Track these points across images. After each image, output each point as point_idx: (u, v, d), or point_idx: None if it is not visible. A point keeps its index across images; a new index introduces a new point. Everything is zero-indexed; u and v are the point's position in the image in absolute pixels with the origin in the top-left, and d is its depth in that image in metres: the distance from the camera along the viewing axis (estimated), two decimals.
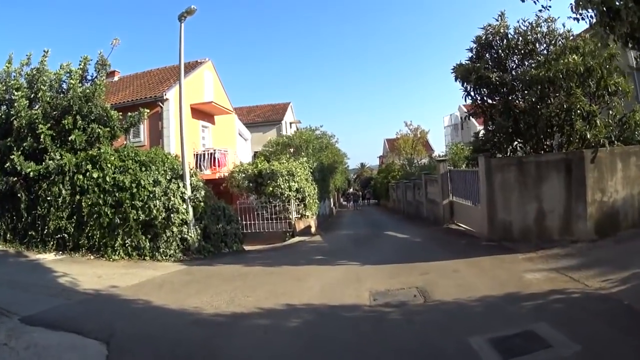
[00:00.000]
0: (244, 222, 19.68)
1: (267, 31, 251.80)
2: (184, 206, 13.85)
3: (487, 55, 14.14)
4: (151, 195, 13.13)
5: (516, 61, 13.97)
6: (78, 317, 7.32)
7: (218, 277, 10.86)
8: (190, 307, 7.93)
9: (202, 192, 14.70)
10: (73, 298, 8.65)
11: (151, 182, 13.34)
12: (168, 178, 13.94)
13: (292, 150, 29.31)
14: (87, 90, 14.39)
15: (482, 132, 15.19)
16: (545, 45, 13.59)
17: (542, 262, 9.76)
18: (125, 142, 16.76)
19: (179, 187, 13.95)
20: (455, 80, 14.36)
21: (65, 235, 13.10)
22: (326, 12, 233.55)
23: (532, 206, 12.28)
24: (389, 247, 14.58)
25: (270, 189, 20.25)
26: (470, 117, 14.52)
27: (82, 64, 15.18)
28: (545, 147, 13.40)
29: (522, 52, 13.65)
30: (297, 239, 19.60)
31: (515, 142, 13.83)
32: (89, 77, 15.30)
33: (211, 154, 23.83)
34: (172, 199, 13.57)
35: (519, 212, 12.46)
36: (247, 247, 16.91)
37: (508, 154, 13.94)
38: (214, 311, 7.68)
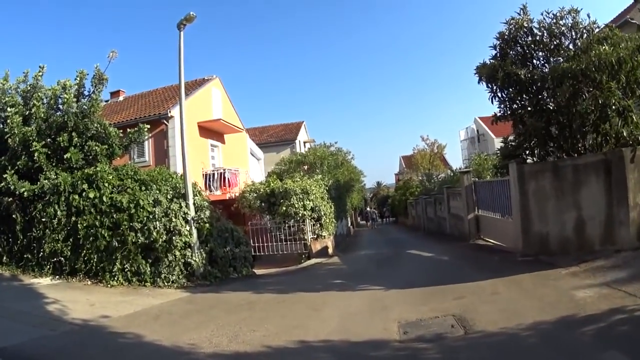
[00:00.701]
0: (256, 244, 18.82)
1: (278, 50, 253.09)
2: (187, 228, 12.81)
3: (511, 52, 12.95)
4: (151, 217, 12.20)
5: (541, 58, 12.80)
6: (56, 352, 6.49)
7: (223, 307, 9.69)
8: (186, 344, 6.78)
9: (207, 212, 13.61)
10: (58, 329, 7.74)
11: (151, 202, 12.43)
12: (169, 198, 12.98)
13: (306, 167, 28.04)
14: (84, 106, 13.73)
15: (510, 137, 13.98)
16: (571, 38, 12.42)
17: (589, 277, 8.61)
18: (129, 162, 16.09)
19: (181, 207, 12.92)
20: (479, 82, 13.25)
21: (62, 258, 12.22)
22: (338, 28, 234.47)
23: (570, 214, 11.11)
24: (414, 268, 13.29)
25: (284, 208, 19.12)
26: (497, 121, 13.26)
27: (79, 79, 14.34)
28: (579, 148, 12.16)
29: (548, 47, 12.49)
30: (313, 260, 18.40)
31: (547, 146, 12.61)
32: (85, 93, 14.48)
33: (221, 173, 22.78)
34: (174, 220, 12.57)
35: (556, 222, 11.26)
36: (259, 271, 15.93)
37: (540, 159, 12.71)
38: (213, 350, 6.48)
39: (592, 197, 10.93)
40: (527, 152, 12.79)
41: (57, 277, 12.16)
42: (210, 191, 21.74)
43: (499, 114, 13.16)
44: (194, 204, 13.32)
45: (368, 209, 79.87)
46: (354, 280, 11.68)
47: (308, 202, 19.22)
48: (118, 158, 14.93)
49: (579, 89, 11.16)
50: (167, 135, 20.76)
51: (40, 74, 14.39)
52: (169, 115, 20.55)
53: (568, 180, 11.21)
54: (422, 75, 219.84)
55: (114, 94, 26.96)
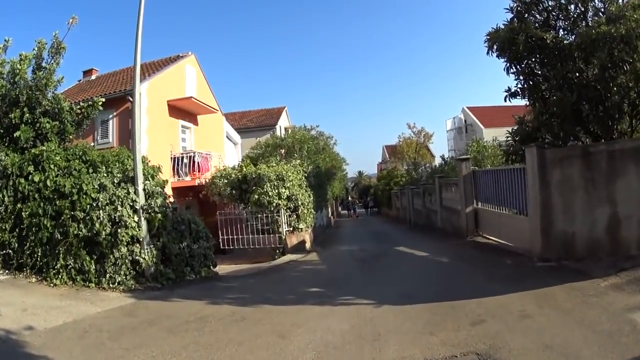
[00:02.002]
0: (226, 237, 17.44)
1: (262, 35, 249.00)
2: (135, 218, 10.60)
3: (530, 18, 10.82)
4: (94, 204, 10.17)
5: (567, 25, 10.68)
6: None
7: (166, 324, 7.42)
8: None
9: (159, 200, 11.22)
10: None
11: (96, 187, 10.39)
12: (116, 182, 10.80)
13: (283, 151, 25.56)
14: (39, 78, 11.90)
15: (527, 117, 11.86)
16: (594, 8, 10.42)
17: (639, 290, 6.83)
18: (92, 143, 14.98)
19: (128, 193, 10.69)
20: (488, 52, 11.36)
21: (10, 251, 10.41)
22: (325, 16, 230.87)
23: (602, 211, 9.33)
24: (408, 272, 11.00)
25: (256, 196, 17.03)
26: (511, 98, 11.14)
27: (37, 49, 12.24)
28: (614, 132, 10.12)
29: (572, 14, 10.53)
30: (288, 257, 16.30)
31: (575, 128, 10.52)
32: (44, 64, 12.38)
33: (191, 157, 20.37)
34: (120, 209, 10.37)
35: (584, 221, 9.45)
36: (226, 268, 14.17)
37: (564, 143, 10.65)
38: None
39: (630, 191, 9.15)
40: (549, 134, 10.67)
41: (7, 272, 10.40)
42: (179, 176, 19.72)
43: (514, 88, 11.04)
44: (144, 189, 11.07)
45: (349, 198, 78.64)
46: (334, 289, 9.44)
47: (284, 190, 17.13)
48: (71, 137, 12.95)
49: (619, 57, 9.07)
50: (132, 113, 18.24)
51: (3, 47, 12.37)
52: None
53: (602, 169, 9.34)
54: (407, 64, 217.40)
55: (87, 72, 24.56)
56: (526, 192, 10.61)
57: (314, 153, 27.27)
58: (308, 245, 18.03)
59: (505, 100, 11.34)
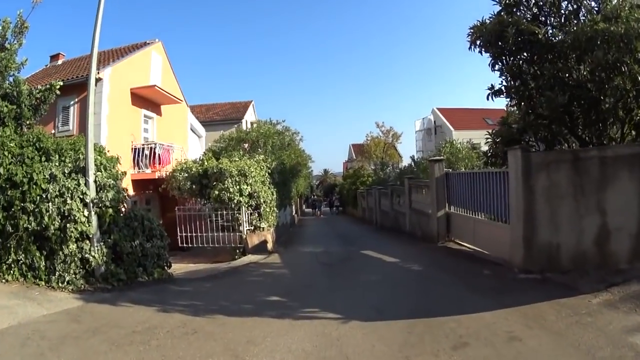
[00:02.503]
0: (184, 234, 16.48)
1: (232, 29, 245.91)
2: (85, 213, 9.70)
3: (519, 12, 10.12)
4: (44, 196, 9.39)
5: (557, 23, 10.01)
6: None
7: (110, 333, 6.52)
8: None
9: (111, 194, 10.20)
10: None
11: (46, 177, 9.56)
12: (67, 172, 9.86)
13: (246, 145, 24.34)
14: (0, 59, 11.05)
15: (510, 118, 11.17)
16: (590, 7, 9.75)
17: (635, 310, 6.25)
18: (52, 131, 14.53)
19: (78, 184, 9.76)
20: (470, 47, 10.66)
21: None
22: (295, 13, 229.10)
23: (591, 221, 8.76)
24: (378, 281, 10.01)
25: (216, 192, 16.00)
26: (495, 96, 10.41)
27: (1, 29, 11.34)
28: (603, 138, 9.53)
29: (566, 10, 9.84)
30: (248, 257, 15.34)
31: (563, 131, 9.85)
32: (7, 45, 11.45)
33: (152, 148, 19.27)
34: (69, 201, 9.50)
35: (571, 230, 8.85)
36: (184, 267, 13.87)
37: (549, 148, 9.99)
38: None
39: (621, 201, 8.57)
40: (534, 137, 10.00)
41: None
42: (140, 168, 18.66)
43: (499, 86, 10.34)
44: (96, 181, 10.11)
45: (314, 196, 78.74)
46: (296, 298, 8.49)
47: (245, 187, 16.18)
48: (29, 122, 11.91)
49: (616, 58, 8.43)
50: (88, 98, 17.14)
51: None
52: (98, 77, 16.89)
53: (592, 176, 8.75)
54: (377, 63, 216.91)
55: (54, 57, 23.34)
56: (508, 197, 9.89)
57: (278, 148, 26.14)
58: (270, 245, 17.07)
59: (488, 99, 10.56)
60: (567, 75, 9.25)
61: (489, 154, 11.67)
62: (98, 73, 16.27)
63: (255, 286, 10.45)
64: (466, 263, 10.95)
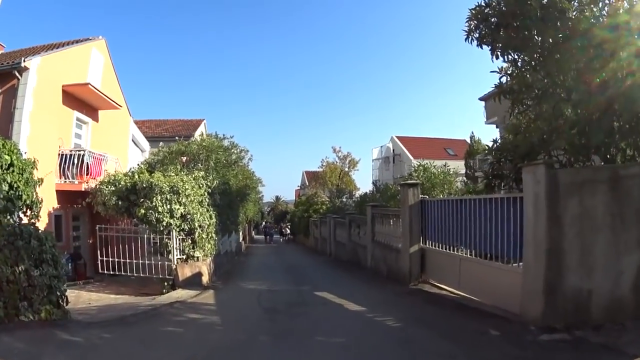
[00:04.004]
0: (105, 259, 14.42)
1: (188, 44, 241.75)
2: None
3: None
4: None
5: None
6: None
7: None
8: None
9: None
10: None
11: None
12: None
13: (184, 159, 21.10)
14: None
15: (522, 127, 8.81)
16: None
17: None
18: None
19: None
20: (468, 38, 8.75)
21: None
22: (244, 29, 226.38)
23: (630, 260, 6.68)
24: (342, 347, 6.84)
25: (142, 211, 13.31)
26: (503, 96, 8.11)
27: None
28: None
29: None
30: (177, 293, 12.66)
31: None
32: None
33: (80, 156, 16.49)
34: None
35: (607, 273, 6.78)
36: (103, 297, 12.47)
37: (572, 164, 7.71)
38: None
39: None
40: (558, 150, 7.65)
41: None
42: (67, 178, 16.07)
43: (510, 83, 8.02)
44: None
45: (264, 222, 77.68)
46: None
47: (177, 207, 13.55)
48: None
49: None
50: (17, 93, 14.84)
51: None
52: (23, 66, 14.55)
53: (635, 200, 6.62)
54: (332, 91, 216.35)
55: None
56: (520, 230, 7.49)
57: (223, 166, 23.07)
58: (205, 278, 14.32)
59: (495, 100, 8.26)
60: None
61: (492, 174, 9.18)
62: (24, 61, 14.48)
63: (169, 344, 7.42)
64: (459, 317, 8.27)
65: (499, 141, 9.43)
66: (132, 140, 24.88)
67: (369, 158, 53.26)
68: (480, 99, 29.31)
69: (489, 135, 74.28)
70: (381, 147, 52.20)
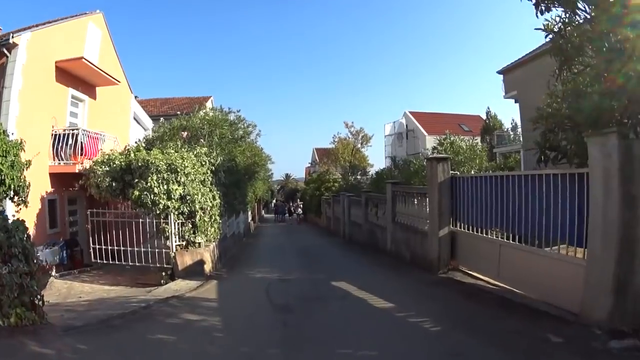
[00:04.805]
0: (98, 247, 13.57)
1: (196, 23, 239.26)
2: None
3: None
4: None
5: None
6: None
7: None
8: None
9: None
10: None
11: None
12: None
13: (184, 134, 19.32)
14: None
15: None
16: None
17: None
18: None
19: None
20: None
21: None
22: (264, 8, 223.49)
23: None
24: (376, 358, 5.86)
25: (137, 193, 12.22)
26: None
27: None
28: None
29: None
30: (176, 285, 11.58)
31: None
32: None
33: (74, 135, 15.45)
34: None
35: None
36: (95, 289, 11.73)
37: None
38: None
39: None
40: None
41: None
42: (60, 160, 15.12)
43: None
44: None
45: (275, 201, 77.24)
46: None
47: (175, 187, 12.39)
48: None
49: None
50: (6, 71, 13.98)
51: None
52: (11, 42, 13.72)
53: None
54: (343, 64, 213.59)
55: None
56: (581, 214, 6.32)
57: (228, 142, 21.50)
58: (208, 267, 13.15)
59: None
60: None
61: (545, 146, 7.92)
62: (12, 37, 13.71)
63: (162, 354, 6.38)
64: (506, 317, 7.04)
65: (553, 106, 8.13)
66: (134, 119, 23.81)
67: (381, 134, 52.11)
68: (499, 72, 28.23)
69: (504, 111, 72.95)
70: (394, 122, 50.96)
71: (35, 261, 7.49)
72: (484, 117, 40.02)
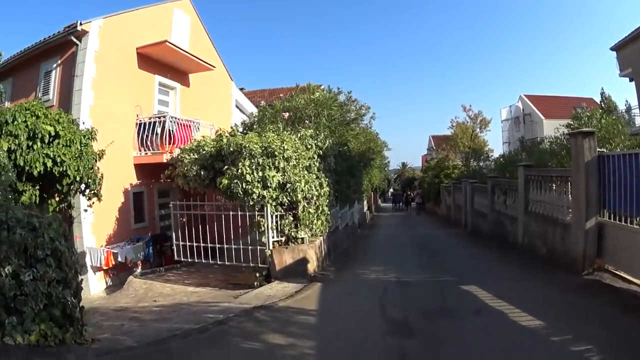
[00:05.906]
0: (182, 243, 12.46)
1: (319, 18, 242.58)
2: None
3: None
4: None
5: None
6: None
7: None
8: None
9: None
10: None
11: None
12: None
13: (286, 115, 17.43)
14: None
15: None
16: None
17: None
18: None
19: None
20: None
21: None
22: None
23: None
24: None
25: (225, 181, 11.17)
26: None
27: None
28: None
29: None
30: (270, 289, 10.25)
31: None
32: None
33: (162, 122, 14.89)
34: None
35: None
36: (178, 290, 11.16)
37: None
38: None
39: None
40: None
41: None
42: (147, 149, 15.01)
43: None
44: None
45: (391, 190, 78.27)
46: None
47: (272, 174, 11.03)
48: None
49: None
50: (76, 59, 13.70)
51: None
52: (80, 29, 13.42)
53: None
54: (457, 53, 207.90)
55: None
56: None
57: (338, 124, 19.47)
58: (312, 266, 11.59)
59: None
60: None
61: None
62: (81, 25, 13.43)
63: None
64: None
65: None
66: (237, 107, 23.38)
67: (497, 119, 50.28)
68: (612, 48, 25.11)
69: (617, 91, 67.87)
70: (510, 106, 48.88)
71: (71, 266, 5.95)
72: (596, 99, 38.19)
